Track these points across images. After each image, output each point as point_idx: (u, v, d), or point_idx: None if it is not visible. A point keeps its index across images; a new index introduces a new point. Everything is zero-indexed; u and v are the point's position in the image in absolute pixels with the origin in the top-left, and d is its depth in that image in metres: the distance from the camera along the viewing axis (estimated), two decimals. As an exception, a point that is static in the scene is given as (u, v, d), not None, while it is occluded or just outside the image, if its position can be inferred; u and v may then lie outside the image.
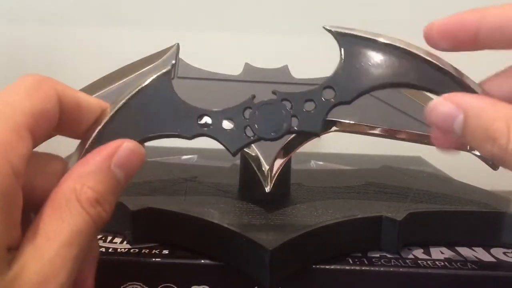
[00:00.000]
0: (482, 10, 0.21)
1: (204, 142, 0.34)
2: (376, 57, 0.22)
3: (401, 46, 0.22)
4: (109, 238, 0.27)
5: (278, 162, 0.28)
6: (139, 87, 0.22)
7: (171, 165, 0.40)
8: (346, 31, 0.23)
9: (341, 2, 0.58)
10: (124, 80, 0.28)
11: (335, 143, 0.28)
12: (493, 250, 0.27)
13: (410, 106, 0.28)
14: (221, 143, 0.22)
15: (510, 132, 0.18)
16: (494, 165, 0.26)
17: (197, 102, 0.28)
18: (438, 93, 0.22)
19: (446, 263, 0.25)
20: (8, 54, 0.59)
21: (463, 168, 0.24)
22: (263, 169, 0.28)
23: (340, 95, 0.22)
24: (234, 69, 0.29)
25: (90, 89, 0.28)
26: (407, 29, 0.58)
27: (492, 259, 0.26)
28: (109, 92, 0.27)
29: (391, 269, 0.25)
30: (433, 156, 0.43)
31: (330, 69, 0.30)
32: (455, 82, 0.22)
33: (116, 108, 0.22)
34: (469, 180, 0.35)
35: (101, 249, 0.25)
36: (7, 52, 0.59)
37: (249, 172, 0.29)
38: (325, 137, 0.27)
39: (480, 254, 0.27)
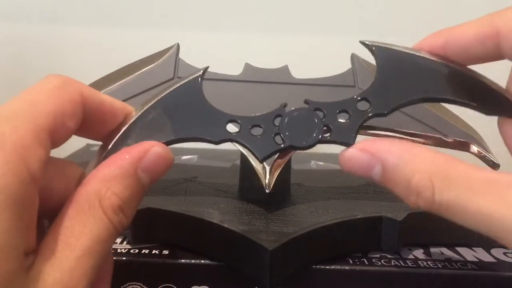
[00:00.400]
0: (445, 32, 0.21)
1: (204, 143, 0.34)
2: (411, 71, 0.22)
3: (435, 59, 0.22)
4: (109, 238, 0.27)
5: (278, 162, 0.28)
6: (170, 90, 0.22)
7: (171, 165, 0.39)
8: (382, 45, 0.23)
9: (341, 2, 0.58)
10: (124, 80, 0.28)
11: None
12: (493, 250, 0.27)
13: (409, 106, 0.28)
14: (249, 150, 0.22)
15: (434, 183, 0.18)
16: (494, 166, 0.26)
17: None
18: (475, 107, 0.22)
19: (446, 263, 0.25)
20: (8, 54, 0.59)
21: None
22: (263, 169, 0.28)
23: (375, 107, 0.22)
24: (234, 69, 0.29)
25: (90, 89, 0.28)
26: (407, 29, 0.58)
27: (492, 259, 0.26)
28: (110, 92, 0.27)
29: (391, 269, 0.25)
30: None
31: (330, 69, 0.31)
32: (492, 94, 0.22)
33: (145, 108, 0.21)
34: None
35: (101, 249, 0.25)
36: (7, 52, 0.59)
37: (249, 172, 0.29)
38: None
39: (480, 254, 0.27)
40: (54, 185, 0.19)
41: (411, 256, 0.26)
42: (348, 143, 0.22)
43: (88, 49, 0.59)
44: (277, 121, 0.22)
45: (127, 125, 0.21)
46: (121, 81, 0.28)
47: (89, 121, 0.19)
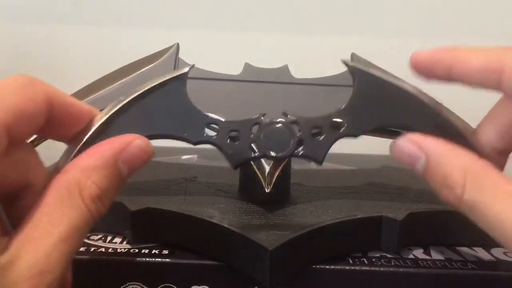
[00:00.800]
0: (452, 52, 0.22)
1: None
2: (387, 98, 0.23)
3: (411, 91, 0.23)
4: (109, 238, 0.27)
5: (278, 162, 0.28)
6: (153, 84, 0.22)
7: (171, 165, 0.40)
8: (362, 68, 0.23)
9: (341, 2, 0.58)
10: (124, 80, 0.28)
11: (335, 143, 0.29)
12: (493, 250, 0.27)
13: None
14: (224, 154, 0.23)
15: (466, 183, 0.19)
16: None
17: (197, 102, 0.28)
18: None
19: (446, 263, 0.25)
20: (8, 54, 0.59)
21: None
22: (263, 169, 0.28)
23: (348, 129, 0.23)
24: (234, 69, 0.29)
25: (90, 88, 0.28)
26: (407, 29, 0.58)
27: (492, 259, 0.26)
28: (109, 92, 0.27)
29: (391, 269, 0.25)
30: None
31: (329, 69, 0.31)
32: (455, 134, 0.22)
33: (127, 100, 0.22)
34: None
35: (101, 249, 0.25)
36: (7, 52, 0.59)
37: (249, 172, 0.29)
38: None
39: (480, 254, 0.27)
40: (8, 173, 0.19)
41: (411, 256, 0.26)
42: (318, 161, 0.23)
43: (88, 49, 0.59)
44: (255, 129, 0.23)
45: (105, 117, 0.21)
46: (121, 81, 0.28)
47: (55, 122, 0.20)
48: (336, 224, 0.25)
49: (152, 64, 0.28)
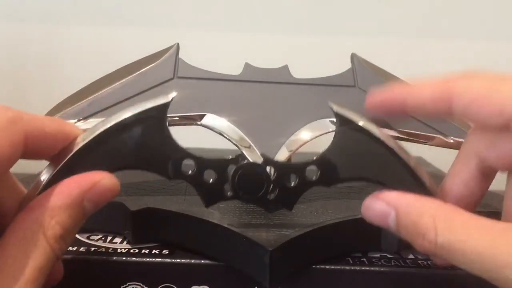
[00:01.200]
0: (405, 88, 0.23)
1: (204, 142, 0.34)
2: (365, 151, 0.23)
3: (391, 145, 0.23)
4: (109, 238, 0.27)
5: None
6: (133, 112, 0.21)
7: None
8: (347, 116, 0.23)
9: (341, 2, 0.58)
10: (124, 80, 0.28)
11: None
12: (493, 250, 0.27)
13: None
14: (198, 194, 0.23)
15: (437, 226, 0.19)
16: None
17: (197, 102, 0.28)
18: None
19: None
20: (8, 54, 0.59)
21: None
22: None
23: (322, 177, 0.23)
24: (234, 69, 0.29)
25: (91, 88, 0.28)
26: (407, 29, 0.58)
27: (492, 259, 0.26)
28: (109, 92, 0.27)
29: (391, 269, 0.25)
30: (433, 156, 0.43)
31: (330, 69, 0.31)
32: (423, 188, 0.23)
33: (104, 128, 0.21)
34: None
35: (101, 249, 0.25)
36: (7, 52, 0.59)
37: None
38: (325, 137, 0.27)
39: (480, 254, 0.27)
40: None
41: (411, 256, 0.26)
42: (289, 208, 0.24)
43: (88, 49, 0.59)
44: (230, 169, 0.23)
45: (76, 148, 0.21)
46: (121, 81, 0.28)
47: (31, 149, 0.20)
48: (336, 224, 0.25)
49: (152, 64, 0.28)
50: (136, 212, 0.26)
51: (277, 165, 0.23)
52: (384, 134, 0.23)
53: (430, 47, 0.58)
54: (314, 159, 0.23)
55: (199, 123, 0.27)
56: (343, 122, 0.23)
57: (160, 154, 0.22)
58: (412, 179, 0.23)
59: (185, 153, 0.22)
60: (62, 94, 0.29)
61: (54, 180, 0.20)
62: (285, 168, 0.23)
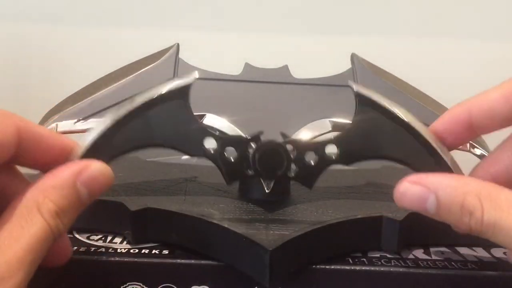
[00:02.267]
0: (468, 100, 0.23)
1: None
2: (385, 129, 0.23)
3: (408, 121, 0.23)
4: (109, 238, 0.27)
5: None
6: (157, 94, 0.22)
7: (171, 165, 0.39)
8: (367, 95, 0.23)
9: (341, 2, 0.58)
10: (124, 80, 0.28)
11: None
12: (493, 250, 0.27)
13: (410, 105, 0.28)
14: (220, 171, 0.24)
15: (483, 204, 0.20)
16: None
17: (197, 102, 0.28)
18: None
19: (446, 263, 0.25)
20: (8, 54, 0.59)
21: (463, 168, 0.24)
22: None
23: (341, 156, 0.23)
24: (234, 69, 0.29)
25: (90, 89, 0.28)
26: (407, 29, 0.58)
27: (492, 259, 0.26)
28: (109, 92, 0.27)
29: (391, 269, 0.25)
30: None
31: (329, 69, 0.31)
32: (444, 169, 0.23)
33: (129, 110, 0.22)
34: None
35: (101, 249, 0.25)
36: (7, 52, 0.59)
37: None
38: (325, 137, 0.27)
39: (480, 254, 0.27)
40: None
41: (411, 256, 0.26)
42: (309, 186, 0.24)
43: (88, 49, 0.59)
44: (251, 147, 0.23)
45: (103, 127, 0.22)
46: (121, 81, 0.28)
47: (25, 152, 0.21)
48: (336, 224, 0.25)
49: (152, 64, 0.28)
50: (136, 212, 0.26)
51: (297, 143, 0.23)
52: (403, 112, 0.23)
53: (430, 47, 0.58)
54: (334, 137, 0.23)
55: (199, 123, 0.27)
56: (362, 101, 0.23)
57: (183, 132, 0.23)
58: (431, 157, 0.23)
59: (207, 132, 0.23)
60: (62, 94, 0.29)
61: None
62: (305, 147, 0.23)
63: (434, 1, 0.58)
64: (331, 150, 0.23)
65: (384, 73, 0.30)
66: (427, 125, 0.28)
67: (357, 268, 0.25)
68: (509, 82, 0.21)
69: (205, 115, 0.27)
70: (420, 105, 0.28)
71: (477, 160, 0.28)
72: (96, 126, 0.23)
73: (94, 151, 0.22)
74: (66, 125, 0.27)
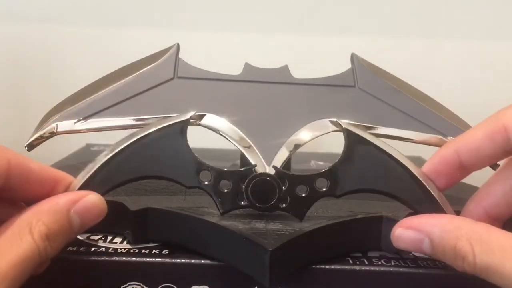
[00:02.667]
0: (455, 141, 0.24)
1: (204, 142, 0.34)
2: (373, 162, 0.25)
3: (397, 157, 0.25)
4: (109, 238, 0.27)
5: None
6: (155, 128, 0.24)
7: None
8: (354, 131, 0.25)
9: (341, 2, 0.58)
10: (124, 80, 0.28)
11: (335, 143, 0.29)
12: (493, 250, 0.27)
13: (410, 106, 0.28)
14: (214, 202, 0.25)
15: (474, 249, 0.20)
16: (494, 166, 0.26)
17: (197, 102, 0.28)
18: (412, 209, 0.25)
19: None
20: (8, 54, 0.59)
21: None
22: (264, 169, 0.28)
23: (331, 188, 0.25)
24: (234, 69, 0.29)
25: (90, 89, 0.28)
26: (407, 29, 0.58)
27: (492, 259, 0.26)
28: (109, 92, 0.27)
29: (391, 269, 0.25)
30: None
31: (329, 69, 0.30)
32: (431, 202, 0.24)
33: (128, 142, 0.24)
34: (469, 180, 0.35)
35: (101, 249, 0.25)
36: (7, 52, 0.59)
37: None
38: (325, 137, 0.27)
39: (480, 254, 0.27)
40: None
41: (411, 256, 0.26)
42: (300, 218, 0.25)
43: (88, 49, 0.59)
44: (244, 180, 0.25)
45: (109, 155, 0.24)
46: (121, 81, 0.28)
47: (13, 186, 0.21)
48: (336, 224, 0.25)
49: (152, 64, 0.28)
50: (136, 212, 0.26)
51: (288, 176, 0.25)
52: (390, 147, 0.25)
53: (430, 47, 0.58)
54: (324, 171, 0.25)
55: (199, 123, 0.27)
56: (350, 137, 0.25)
57: (180, 165, 0.25)
58: (420, 191, 0.24)
59: (203, 165, 0.25)
60: (62, 94, 0.29)
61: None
62: (296, 180, 0.25)
63: (434, 1, 0.58)
64: (322, 183, 0.25)
65: (384, 73, 0.30)
66: (427, 125, 0.28)
67: (357, 268, 0.25)
68: (492, 119, 0.22)
69: (205, 115, 0.27)
70: (420, 105, 0.28)
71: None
72: (96, 159, 0.24)
73: (93, 182, 0.24)
74: (66, 125, 0.27)
